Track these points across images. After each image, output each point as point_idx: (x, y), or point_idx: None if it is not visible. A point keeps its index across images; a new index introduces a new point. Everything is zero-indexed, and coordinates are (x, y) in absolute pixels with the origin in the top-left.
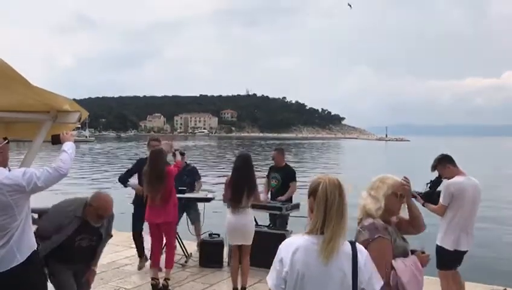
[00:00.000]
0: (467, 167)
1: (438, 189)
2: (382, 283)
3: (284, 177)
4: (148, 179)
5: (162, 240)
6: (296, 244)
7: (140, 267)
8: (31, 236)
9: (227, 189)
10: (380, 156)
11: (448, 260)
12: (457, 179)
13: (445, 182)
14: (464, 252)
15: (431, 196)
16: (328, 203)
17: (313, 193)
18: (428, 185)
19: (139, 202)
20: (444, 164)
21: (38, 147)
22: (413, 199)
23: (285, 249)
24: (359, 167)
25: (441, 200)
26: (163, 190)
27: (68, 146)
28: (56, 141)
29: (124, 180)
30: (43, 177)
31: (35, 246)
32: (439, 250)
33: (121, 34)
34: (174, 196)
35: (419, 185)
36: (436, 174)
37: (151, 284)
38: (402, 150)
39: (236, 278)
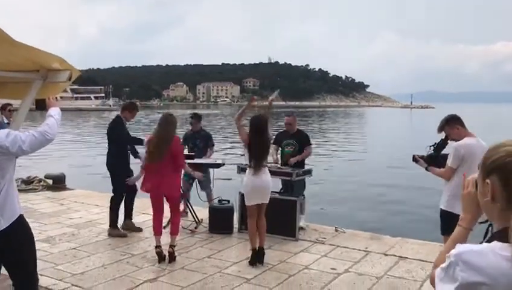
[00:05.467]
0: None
1: (443, 152)
2: None
3: (300, 142)
4: (156, 141)
5: (163, 209)
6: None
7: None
8: (15, 201)
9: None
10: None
11: (454, 225)
12: (467, 140)
13: (452, 144)
14: None
15: (435, 159)
16: None
17: (499, 169)
18: (432, 147)
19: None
20: (453, 124)
21: (27, 107)
22: (414, 163)
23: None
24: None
25: (449, 162)
26: (168, 156)
27: (55, 111)
28: (41, 106)
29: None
30: (28, 141)
31: (20, 211)
32: (446, 215)
33: (144, 2)
34: (181, 169)
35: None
36: (442, 136)
37: (156, 252)
38: (423, 117)
39: (255, 238)
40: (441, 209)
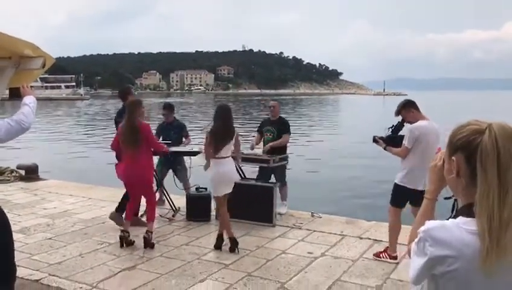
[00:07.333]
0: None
1: (400, 133)
2: None
3: (279, 129)
4: (124, 130)
5: (140, 198)
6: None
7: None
8: None
9: (209, 139)
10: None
11: (404, 198)
12: (421, 123)
13: (408, 126)
14: (422, 192)
15: (393, 140)
16: (503, 165)
17: (463, 147)
18: (391, 129)
19: None
20: (408, 108)
21: (0, 95)
22: (374, 144)
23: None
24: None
25: (405, 142)
26: (144, 143)
27: (30, 99)
28: (15, 94)
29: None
30: (4, 129)
31: None
32: (399, 189)
33: None
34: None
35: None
36: (399, 119)
37: (119, 236)
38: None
39: (230, 227)
40: (395, 183)
